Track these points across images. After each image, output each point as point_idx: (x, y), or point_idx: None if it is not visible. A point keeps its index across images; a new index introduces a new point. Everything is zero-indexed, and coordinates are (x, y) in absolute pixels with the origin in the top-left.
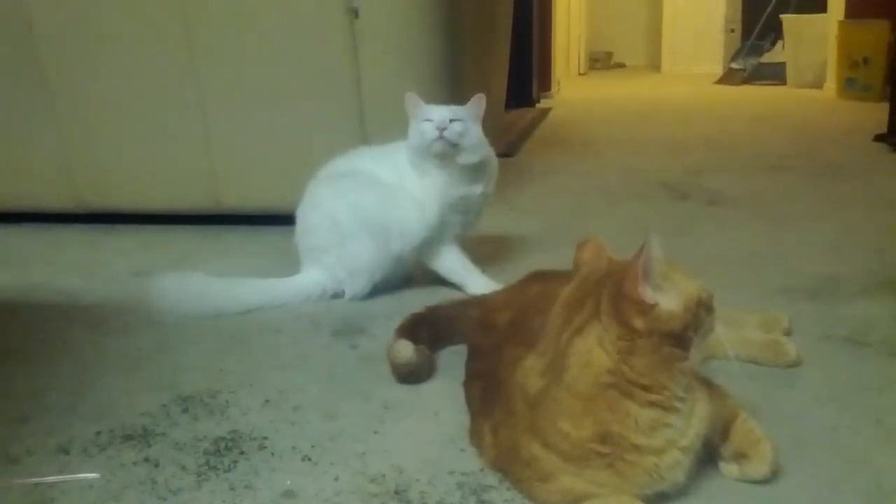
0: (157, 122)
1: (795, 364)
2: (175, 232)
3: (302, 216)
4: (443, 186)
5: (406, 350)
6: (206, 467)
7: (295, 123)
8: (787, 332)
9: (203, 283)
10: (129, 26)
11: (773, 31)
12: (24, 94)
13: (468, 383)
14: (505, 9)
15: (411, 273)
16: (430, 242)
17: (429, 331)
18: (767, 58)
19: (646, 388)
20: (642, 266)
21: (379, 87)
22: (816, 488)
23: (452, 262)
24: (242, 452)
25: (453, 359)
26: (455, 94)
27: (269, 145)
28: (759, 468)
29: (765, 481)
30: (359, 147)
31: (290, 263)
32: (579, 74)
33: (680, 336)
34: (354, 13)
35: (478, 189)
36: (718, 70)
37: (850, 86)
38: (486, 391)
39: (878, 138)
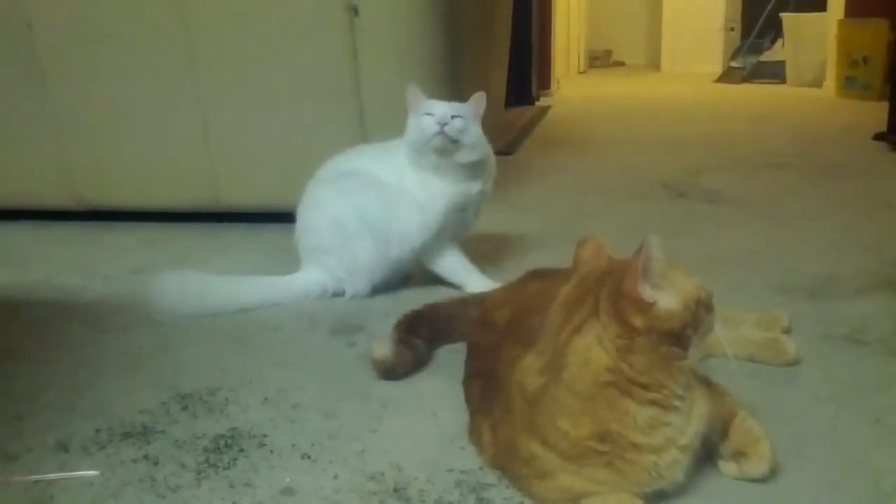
0: (156, 120)
1: (794, 363)
2: (174, 230)
3: (302, 216)
4: (443, 186)
5: (381, 349)
6: (205, 465)
7: (294, 121)
8: (787, 331)
9: (202, 281)
10: (128, 25)
11: (773, 30)
12: (23, 93)
13: (467, 382)
14: (504, 7)
15: (410, 272)
16: (428, 246)
17: (427, 328)
18: (767, 56)
19: (645, 387)
20: (642, 265)
21: (379, 85)
22: (815, 487)
23: (451, 262)
24: (242, 450)
25: (452, 357)
26: (455, 91)
27: (268, 143)
28: (757, 467)
29: (763, 480)
30: (359, 145)
31: (289, 261)
32: (579, 73)
33: (679, 335)
34: (354, 11)
35: (476, 188)
36: (718, 69)
37: (850, 84)
38: (485, 390)
39: (878, 137)
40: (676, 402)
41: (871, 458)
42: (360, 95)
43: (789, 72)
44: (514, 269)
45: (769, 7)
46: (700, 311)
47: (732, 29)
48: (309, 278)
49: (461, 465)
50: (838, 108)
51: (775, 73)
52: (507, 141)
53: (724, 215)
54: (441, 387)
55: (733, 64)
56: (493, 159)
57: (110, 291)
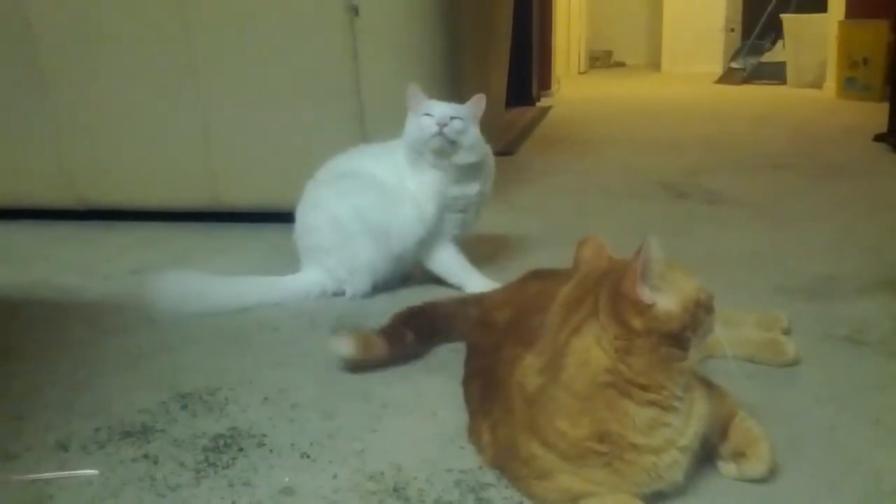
0: (156, 119)
1: (794, 363)
2: (174, 229)
3: (302, 216)
4: (439, 185)
5: (343, 346)
6: (204, 464)
7: (294, 121)
8: (786, 332)
9: (202, 281)
10: (128, 25)
11: (774, 31)
12: (23, 92)
13: (467, 382)
14: (505, 7)
15: (410, 272)
16: (428, 243)
17: (425, 324)
18: (767, 57)
19: (644, 388)
20: (640, 266)
21: (378, 85)
22: (815, 487)
23: (450, 263)
24: (241, 449)
25: (452, 357)
26: (455, 92)
27: (268, 143)
28: (756, 467)
29: (763, 480)
30: (358, 145)
31: (289, 261)
32: (579, 73)
33: (678, 336)
34: (354, 11)
35: (474, 189)
36: (718, 69)
37: (850, 86)
38: (485, 390)
39: (878, 138)
40: (676, 403)
41: (871, 458)
42: (360, 95)
43: (790, 73)
44: (515, 270)
45: (770, 8)
46: (699, 313)
47: (733, 30)
48: (309, 278)
49: (461, 464)
50: (838, 109)
51: (776, 73)
52: (507, 141)
53: (725, 216)
54: (441, 387)
55: (734, 65)
56: (492, 160)
57: (110, 291)
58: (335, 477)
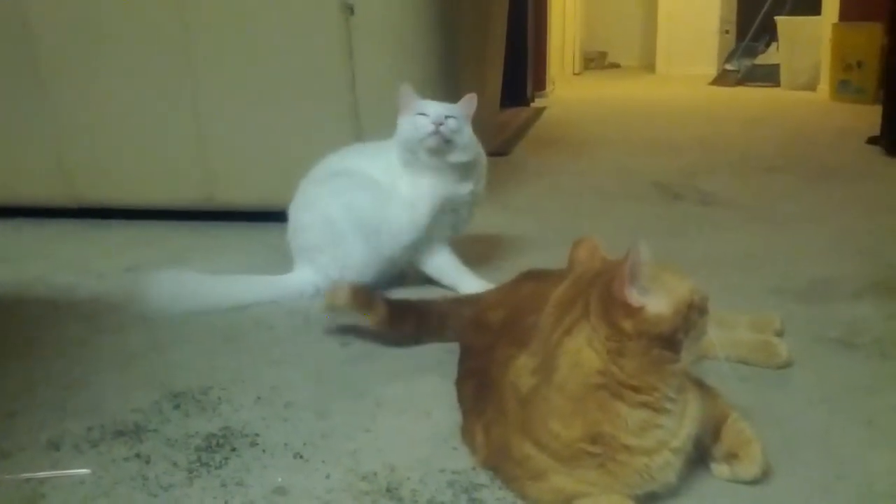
0: (151, 118)
1: (787, 365)
2: (169, 228)
3: (295, 215)
4: (433, 184)
5: (341, 295)
6: (197, 464)
7: (290, 120)
8: (779, 333)
9: (196, 280)
10: (125, 24)
11: (768, 33)
12: (20, 91)
13: (461, 382)
14: (500, 7)
15: (404, 273)
16: (421, 244)
17: (417, 318)
18: (761, 59)
19: (636, 390)
20: (628, 270)
21: (374, 84)
22: (808, 489)
23: (444, 264)
24: (234, 449)
25: (446, 357)
26: (450, 91)
27: (263, 142)
28: (749, 469)
29: (755, 482)
30: (352, 144)
31: (283, 260)
32: (574, 74)
33: (669, 339)
34: (350, 10)
35: (467, 188)
36: (713, 71)
37: (844, 88)
38: (479, 390)
39: (871, 141)
40: (668, 405)
41: (864, 460)
42: (355, 94)
43: (783, 75)
44: (509, 270)
45: (764, 10)
46: (692, 315)
47: (727, 31)
48: (302, 277)
49: (454, 465)
50: (832, 112)
51: (769, 76)
52: (502, 142)
53: (719, 217)
54: (434, 387)
55: (728, 67)
56: (484, 160)
57: (105, 289)
58: (328, 477)
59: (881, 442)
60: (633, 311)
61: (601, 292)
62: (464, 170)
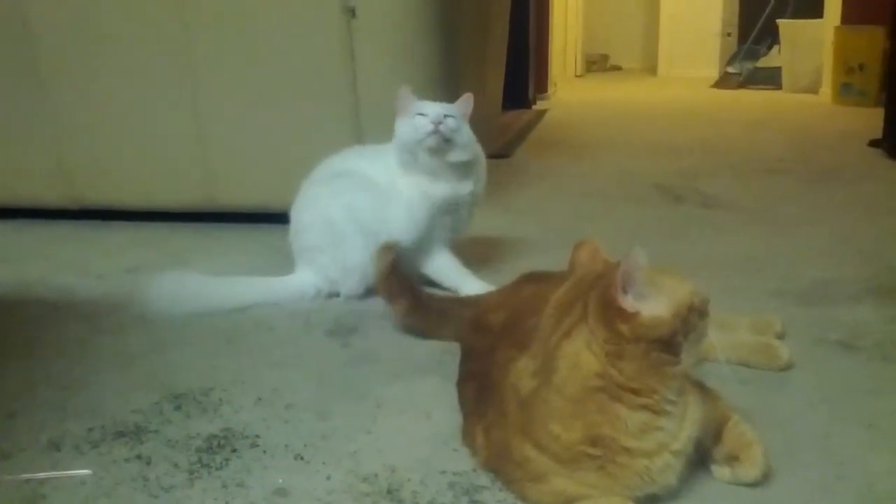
0: (152, 120)
1: (788, 367)
2: (170, 229)
3: (296, 216)
4: (432, 185)
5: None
6: (198, 465)
7: (291, 122)
8: (780, 336)
9: (198, 281)
10: (125, 24)
11: (770, 36)
12: (20, 92)
13: (461, 384)
14: (501, 10)
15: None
16: (422, 245)
17: (438, 317)
18: (763, 62)
19: (635, 392)
20: (621, 277)
21: (375, 85)
22: (808, 492)
23: (444, 266)
24: (235, 450)
25: (446, 358)
26: (451, 93)
27: (264, 143)
28: (750, 471)
29: (756, 484)
30: (353, 146)
31: (284, 262)
32: (576, 76)
33: (668, 342)
34: (351, 12)
35: (467, 188)
36: (715, 74)
37: (846, 91)
38: (480, 392)
39: (873, 144)
40: (668, 407)
41: (864, 462)
42: (356, 96)
43: (785, 78)
44: (510, 272)
45: (766, 13)
46: (692, 318)
47: (729, 34)
48: (303, 279)
49: (455, 467)
50: (834, 115)
51: (771, 78)
52: (503, 144)
53: (720, 220)
54: (435, 388)
55: (730, 69)
56: (484, 160)
57: (105, 290)
58: (329, 478)
59: (881, 444)
60: (629, 317)
61: (599, 296)
62: (463, 169)
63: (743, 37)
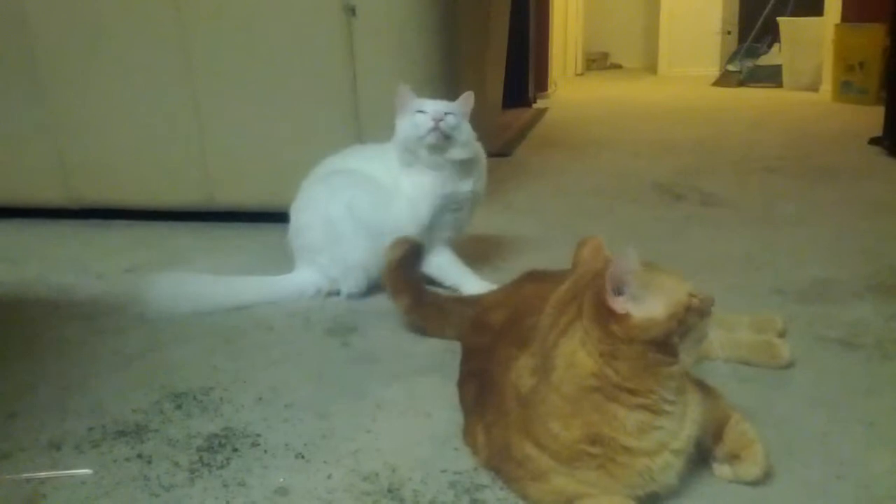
0: (152, 119)
1: (788, 366)
2: (169, 228)
3: (296, 215)
4: (433, 183)
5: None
6: (198, 464)
7: (290, 121)
8: (781, 334)
9: (197, 281)
10: (124, 23)
11: (770, 34)
12: (19, 91)
13: (462, 383)
14: (502, 8)
15: None
16: (423, 244)
17: (438, 316)
18: (764, 60)
19: (632, 392)
20: (610, 279)
21: (375, 85)
22: (808, 490)
23: (445, 264)
24: (235, 449)
25: (447, 357)
26: (451, 92)
27: (263, 142)
28: (750, 470)
29: (757, 483)
30: (353, 145)
31: (283, 261)
32: (576, 75)
33: (663, 343)
34: (352, 11)
35: (467, 186)
36: (715, 72)
37: (846, 89)
38: (480, 390)
39: (873, 141)
40: (667, 407)
41: (864, 461)
42: (356, 96)
43: (786, 76)
44: (510, 271)
45: (766, 11)
46: (689, 318)
47: (729, 32)
48: (303, 278)
49: (455, 465)
50: (834, 113)
51: (772, 76)
52: (504, 142)
53: (720, 218)
54: (435, 387)
55: (730, 67)
56: (484, 158)
57: (105, 290)
58: (329, 477)
59: (881, 443)
60: (621, 318)
61: (593, 295)
62: (464, 167)
63: (743, 35)
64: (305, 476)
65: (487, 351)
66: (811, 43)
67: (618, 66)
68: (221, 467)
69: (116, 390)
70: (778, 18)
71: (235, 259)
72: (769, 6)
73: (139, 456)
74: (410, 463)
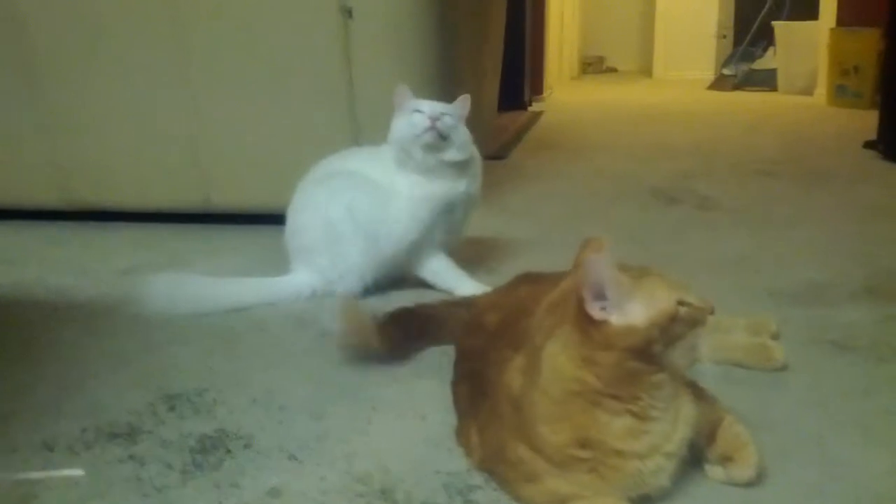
0: (148, 120)
1: (782, 368)
2: (165, 230)
3: (293, 216)
4: (430, 185)
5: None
6: (191, 465)
7: (287, 123)
8: (775, 336)
9: (192, 281)
10: (120, 24)
11: (765, 38)
12: (15, 92)
13: (456, 384)
14: (498, 11)
15: (403, 276)
16: (417, 248)
17: (414, 325)
18: (759, 64)
19: (616, 398)
20: (588, 285)
21: (372, 87)
22: (802, 492)
23: (439, 268)
24: (228, 451)
25: (441, 359)
26: (448, 94)
27: (260, 144)
28: (744, 472)
29: (750, 485)
30: (350, 148)
31: (279, 262)
32: (571, 78)
33: (643, 351)
34: (348, 13)
35: (461, 187)
36: (710, 76)
37: (841, 93)
38: (474, 392)
39: (868, 145)
40: (655, 413)
41: (857, 463)
42: (353, 97)
43: (781, 80)
44: (505, 273)
45: (762, 15)
46: (675, 328)
47: (725, 36)
48: (299, 279)
49: (449, 467)
50: (829, 117)
51: (767, 80)
52: (499, 145)
53: (716, 221)
54: (430, 389)
55: (725, 71)
56: (479, 161)
57: (100, 292)
58: (323, 479)
59: (875, 445)
60: (599, 324)
61: (576, 299)
62: (459, 169)
63: (738, 39)
64: (299, 477)
65: (482, 352)
66: (806, 47)
67: (613, 70)
68: (214, 469)
69: (112, 391)
70: (773, 22)
71: (232, 261)
72: (765, 10)
73: (132, 457)
74: (404, 464)
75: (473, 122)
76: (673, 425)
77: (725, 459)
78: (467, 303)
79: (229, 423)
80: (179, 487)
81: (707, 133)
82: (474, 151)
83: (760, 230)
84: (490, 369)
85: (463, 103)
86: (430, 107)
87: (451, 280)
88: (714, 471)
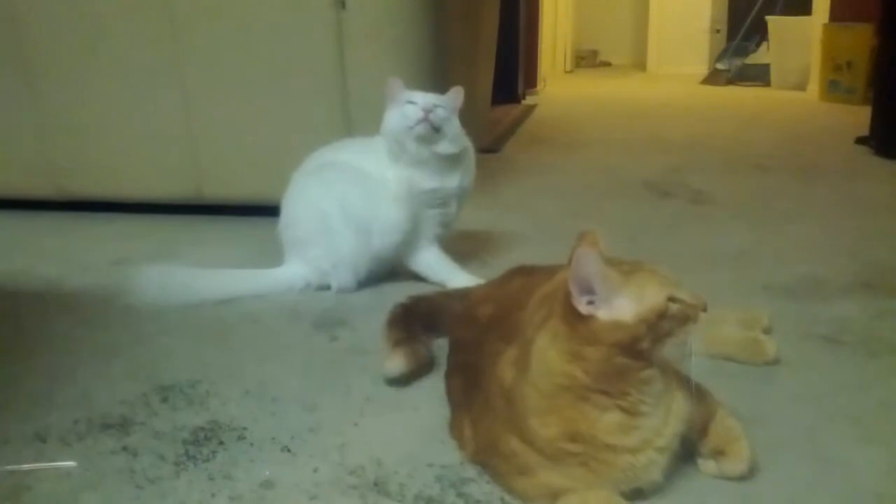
0: (140, 111)
1: (774, 362)
2: (156, 221)
3: (287, 208)
4: (421, 177)
5: (395, 366)
6: (184, 457)
7: (279, 114)
8: (767, 331)
9: (184, 272)
10: (112, 16)
11: (759, 33)
12: (7, 84)
13: (449, 377)
14: (492, 5)
15: (395, 267)
16: (410, 240)
17: (420, 323)
18: (752, 59)
19: (605, 394)
20: (575, 280)
21: (365, 79)
22: (793, 486)
23: (432, 260)
24: (221, 443)
25: (435, 352)
26: (441, 87)
27: (252, 136)
28: (736, 466)
29: (742, 479)
30: (343, 139)
31: (272, 254)
32: (565, 72)
33: (630, 347)
34: (341, 5)
35: (454, 181)
36: (704, 70)
37: (834, 88)
38: (467, 385)
39: (860, 141)
40: (644, 409)
41: (849, 458)
42: (346, 89)
43: (774, 75)
44: (498, 266)
45: (755, 10)
46: (664, 324)
47: (718, 31)
48: (292, 271)
49: (442, 459)
50: (821, 112)
51: (760, 75)
52: (492, 138)
53: (709, 215)
54: (423, 382)
55: (719, 66)
56: (472, 153)
57: (91, 282)
58: (316, 471)
59: (867, 439)
60: (586, 319)
61: (564, 293)
62: (451, 162)
63: (732, 33)
64: (292, 469)
65: (475, 345)
66: (799, 42)
67: (607, 64)
68: (207, 460)
69: (103, 383)
70: (766, 17)
71: (224, 252)
72: (758, 5)
73: (125, 449)
74: (397, 457)
75: (467, 115)
76: (664, 420)
77: (718, 453)
78: (460, 295)
79: (222, 414)
80: (172, 479)
81: (700, 127)
82: (468, 144)
83: (754, 225)
84: (483, 362)
85: (456, 95)
86: (423, 98)
87: (444, 272)
88: (706, 465)
